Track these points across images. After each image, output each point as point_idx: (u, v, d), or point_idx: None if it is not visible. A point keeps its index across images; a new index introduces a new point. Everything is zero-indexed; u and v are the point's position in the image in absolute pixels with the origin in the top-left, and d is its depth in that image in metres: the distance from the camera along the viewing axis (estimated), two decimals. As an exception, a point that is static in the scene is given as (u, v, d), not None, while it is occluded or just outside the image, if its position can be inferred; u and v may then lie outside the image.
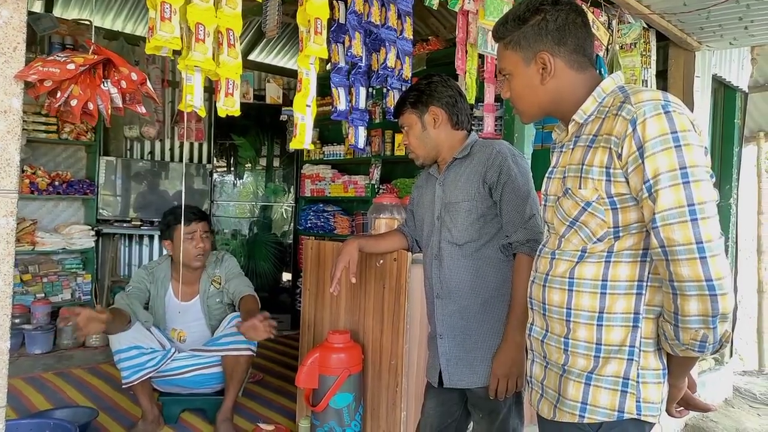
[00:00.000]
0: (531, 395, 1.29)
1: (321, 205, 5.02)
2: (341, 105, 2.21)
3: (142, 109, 1.55)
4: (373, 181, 4.49)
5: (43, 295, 4.37)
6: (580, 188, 1.10)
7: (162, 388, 2.73)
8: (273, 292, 5.01)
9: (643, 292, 1.08)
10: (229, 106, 1.64)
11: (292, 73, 5.76)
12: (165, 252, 2.77)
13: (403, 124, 1.84)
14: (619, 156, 1.02)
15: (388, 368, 2.21)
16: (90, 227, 4.60)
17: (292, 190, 5.17)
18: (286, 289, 5.07)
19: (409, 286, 2.16)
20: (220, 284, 2.71)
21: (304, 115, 1.81)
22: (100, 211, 4.69)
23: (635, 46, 3.05)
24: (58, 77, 1.38)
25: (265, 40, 5.64)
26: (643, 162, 0.99)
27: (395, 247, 2.10)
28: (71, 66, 1.41)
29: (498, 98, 2.82)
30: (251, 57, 5.76)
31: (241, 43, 5.32)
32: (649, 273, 1.07)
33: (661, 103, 1.01)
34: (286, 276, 5.12)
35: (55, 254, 4.58)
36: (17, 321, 4.03)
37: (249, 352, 2.54)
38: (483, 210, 1.69)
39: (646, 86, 3.16)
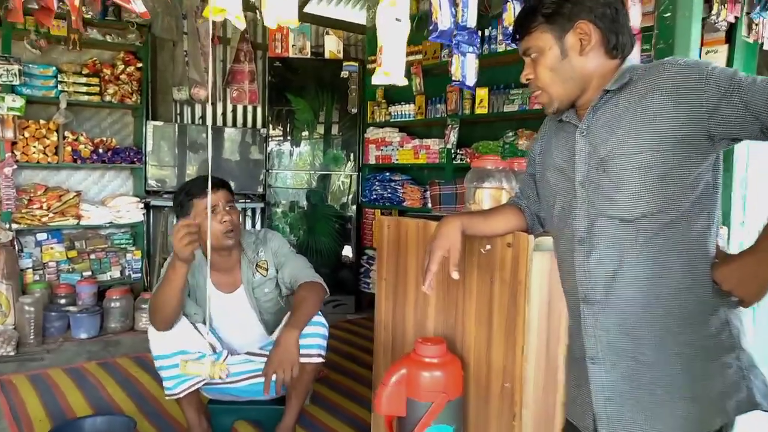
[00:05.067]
0: None
1: (387, 174, 4.44)
2: (444, 21, 1.57)
3: (138, 7, 1.01)
4: (449, 145, 3.85)
5: (90, 273, 4.05)
6: None
7: (211, 395, 2.28)
8: (335, 270, 4.52)
9: None
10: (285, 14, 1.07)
11: (353, 27, 5.14)
12: None
13: (530, 48, 1.21)
14: None
15: (499, 393, 1.63)
16: (139, 199, 4.23)
17: (354, 157, 4.60)
18: (349, 266, 4.57)
19: (530, 282, 1.56)
20: (267, 270, 2.19)
21: (392, 34, 1.21)
22: (149, 181, 4.30)
23: None
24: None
25: (322, -12, 5.03)
26: None
27: (508, 228, 1.49)
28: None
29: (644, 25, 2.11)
30: (308, 9, 5.17)
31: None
32: None
33: None
34: (349, 251, 4.60)
35: (103, 229, 4.25)
36: (63, 302, 3.72)
37: (318, 359, 2.02)
38: (672, 163, 1.06)
39: None
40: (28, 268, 3.82)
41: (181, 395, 2.03)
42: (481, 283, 1.68)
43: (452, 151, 3.85)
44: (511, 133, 3.53)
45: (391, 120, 4.39)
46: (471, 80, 1.66)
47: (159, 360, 2.01)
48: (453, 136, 3.81)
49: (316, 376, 2.20)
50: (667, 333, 1.11)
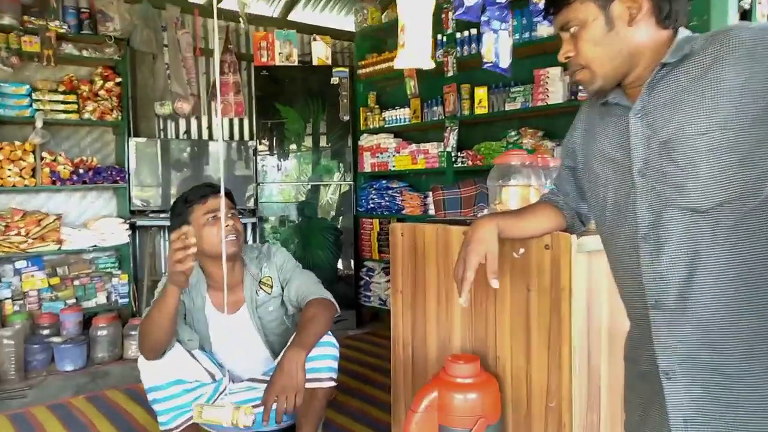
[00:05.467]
0: None
1: (384, 182, 4.27)
2: (471, -5, 1.40)
3: None
4: (449, 149, 3.70)
5: (74, 300, 3.81)
6: None
7: (213, 429, 2.07)
8: (333, 284, 4.31)
9: None
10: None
11: (341, 33, 5.00)
12: None
13: (569, 22, 1.05)
14: None
15: (542, 413, 1.45)
16: (123, 219, 4.00)
17: (348, 166, 4.42)
18: (348, 280, 4.37)
19: (574, 288, 1.39)
20: (272, 287, 1.99)
21: (415, 9, 1.04)
22: (134, 200, 4.07)
23: None
24: None
25: (307, -6, 4.89)
26: None
27: (546, 228, 1.33)
28: None
29: None
30: (292, 16, 5.02)
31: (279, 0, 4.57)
32: None
33: None
34: (347, 265, 4.41)
35: (86, 253, 4.01)
36: (46, 333, 3.48)
37: (330, 383, 1.82)
38: (751, 141, 0.90)
39: None
40: (6, 298, 3.57)
41: (178, 430, 1.82)
42: (515, 292, 1.51)
43: (452, 155, 3.69)
44: (513, 133, 3.39)
45: (386, 126, 4.23)
46: (505, 62, 1.51)
47: (152, 392, 1.80)
48: (452, 139, 3.66)
49: (328, 402, 2.00)
50: (756, 341, 0.94)
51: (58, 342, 3.35)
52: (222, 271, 1.92)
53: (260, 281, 1.99)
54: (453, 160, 3.69)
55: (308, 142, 4.37)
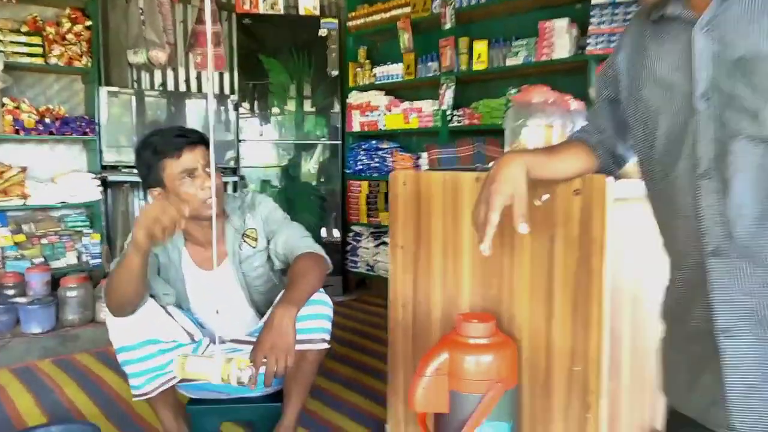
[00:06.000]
0: None
1: (374, 142, 4.06)
2: None
3: None
4: (445, 107, 3.50)
5: (42, 259, 3.56)
6: None
7: (192, 393, 1.89)
8: (318, 250, 4.13)
9: None
10: None
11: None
12: None
13: None
14: None
15: (565, 378, 1.30)
16: (94, 175, 3.74)
17: (335, 125, 4.19)
18: (333, 246, 4.18)
19: (606, 240, 1.23)
20: (256, 241, 1.79)
21: None
22: (105, 155, 3.80)
23: None
24: None
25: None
26: None
27: (577, 170, 1.16)
28: None
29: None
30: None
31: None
32: None
33: None
34: (333, 230, 4.22)
35: (55, 210, 3.75)
36: (11, 293, 3.24)
37: (322, 345, 1.65)
38: None
39: None
40: (-34, 255, 3.32)
41: (153, 394, 1.64)
42: (536, 244, 1.34)
43: (448, 113, 3.50)
44: (514, 90, 3.20)
45: (377, 82, 4.00)
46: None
47: (122, 353, 1.61)
48: (448, 97, 3.46)
49: (319, 366, 1.83)
50: None
51: (23, 303, 3.11)
52: (202, 228, 1.72)
53: (244, 234, 1.79)
54: (448, 119, 3.49)
55: (293, 98, 4.12)
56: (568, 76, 3.02)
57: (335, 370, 2.57)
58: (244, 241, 1.79)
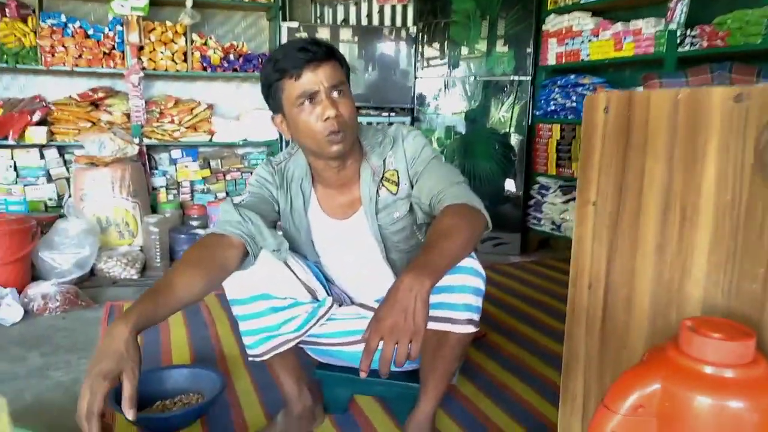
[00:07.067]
0: None
1: (572, 77, 3.36)
2: None
3: None
4: (674, 25, 2.66)
5: (225, 194, 3.70)
6: None
7: (321, 358, 1.63)
8: (497, 203, 3.63)
9: None
10: None
11: None
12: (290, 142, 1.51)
13: None
14: None
15: None
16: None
17: (527, 58, 3.56)
18: (514, 200, 3.64)
19: None
20: (397, 186, 1.39)
21: None
22: (285, 93, 3.74)
23: None
24: None
25: None
26: None
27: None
28: None
29: None
30: None
31: None
32: None
33: None
34: (513, 182, 3.66)
35: (238, 147, 3.85)
36: (194, 224, 3.40)
37: (467, 328, 1.22)
38: None
39: None
40: (161, 186, 3.55)
41: (266, 357, 1.39)
42: None
43: (677, 34, 2.66)
44: (786, -6, 2.26)
45: (582, 1, 3.25)
46: None
47: (235, 306, 1.38)
48: (681, 11, 2.61)
49: (465, 351, 1.41)
50: None
51: (202, 234, 3.23)
52: (331, 169, 1.39)
53: (383, 177, 1.41)
54: (679, 41, 2.66)
55: (479, 28, 3.58)
56: None
57: (497, 345, 2.13)
58: (383, 186, 1.41)
